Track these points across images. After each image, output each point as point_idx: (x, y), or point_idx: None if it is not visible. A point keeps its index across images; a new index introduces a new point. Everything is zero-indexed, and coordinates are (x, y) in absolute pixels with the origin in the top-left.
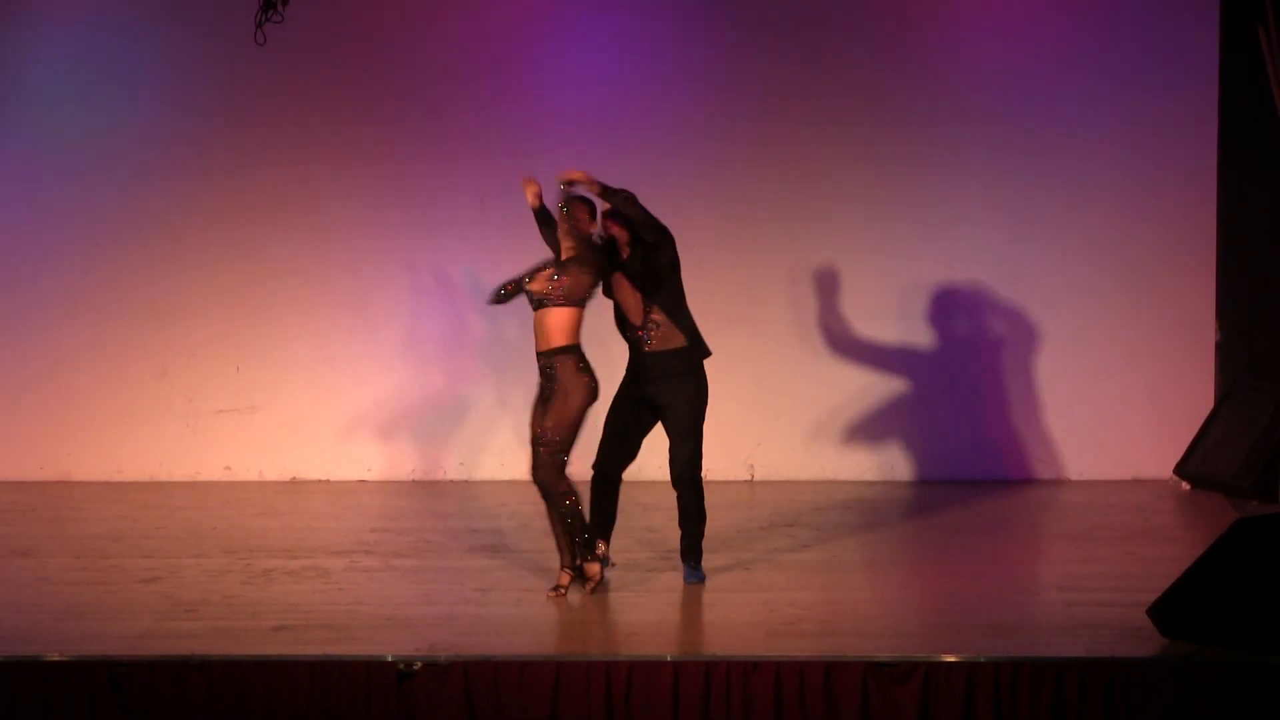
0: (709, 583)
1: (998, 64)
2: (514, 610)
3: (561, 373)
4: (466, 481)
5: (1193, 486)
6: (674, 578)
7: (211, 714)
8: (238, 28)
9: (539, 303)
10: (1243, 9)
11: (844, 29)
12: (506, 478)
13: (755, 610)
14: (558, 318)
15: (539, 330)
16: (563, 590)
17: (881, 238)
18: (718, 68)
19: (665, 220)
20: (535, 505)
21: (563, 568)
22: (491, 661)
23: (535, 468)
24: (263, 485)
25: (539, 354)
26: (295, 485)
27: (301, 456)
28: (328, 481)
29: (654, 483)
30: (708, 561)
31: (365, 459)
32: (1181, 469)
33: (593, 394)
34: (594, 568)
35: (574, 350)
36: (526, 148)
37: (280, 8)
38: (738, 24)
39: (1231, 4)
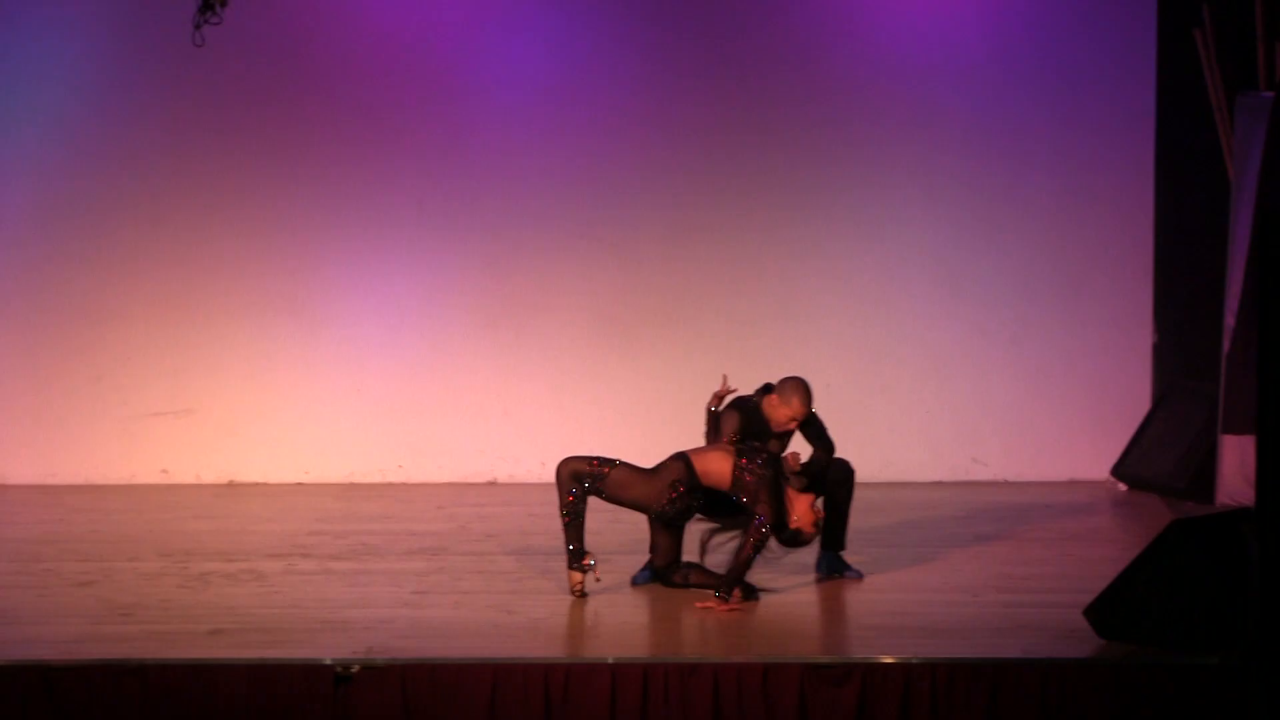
0: (649, 586)
1: (934, 65)
2: (452, 613)
3: None
4: (404, 484)
5: (1129, 487)
6: (615, 579)
7: (147, 718)
8: (174, 30)
9: None
10: (1179, 12)
11: (783, 31)
12: (444, 480)
13: (693, 613)
14: None
15: None
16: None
17: (819, 239)
18: (658, 72)
19: (604, 221)
20: (472, 508)
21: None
22: (429, 664)
23: None
24: (199, 488)
25: None
26: (232, 488)
27: (238, 459)
28: (264, 484)
29: None
30: (636, 566)
31: (302, 461)
32: (1118, 470)
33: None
34: None
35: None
36: (464, 152)
37: (218, 9)
38: (679, 29)
39: (1168, 7)
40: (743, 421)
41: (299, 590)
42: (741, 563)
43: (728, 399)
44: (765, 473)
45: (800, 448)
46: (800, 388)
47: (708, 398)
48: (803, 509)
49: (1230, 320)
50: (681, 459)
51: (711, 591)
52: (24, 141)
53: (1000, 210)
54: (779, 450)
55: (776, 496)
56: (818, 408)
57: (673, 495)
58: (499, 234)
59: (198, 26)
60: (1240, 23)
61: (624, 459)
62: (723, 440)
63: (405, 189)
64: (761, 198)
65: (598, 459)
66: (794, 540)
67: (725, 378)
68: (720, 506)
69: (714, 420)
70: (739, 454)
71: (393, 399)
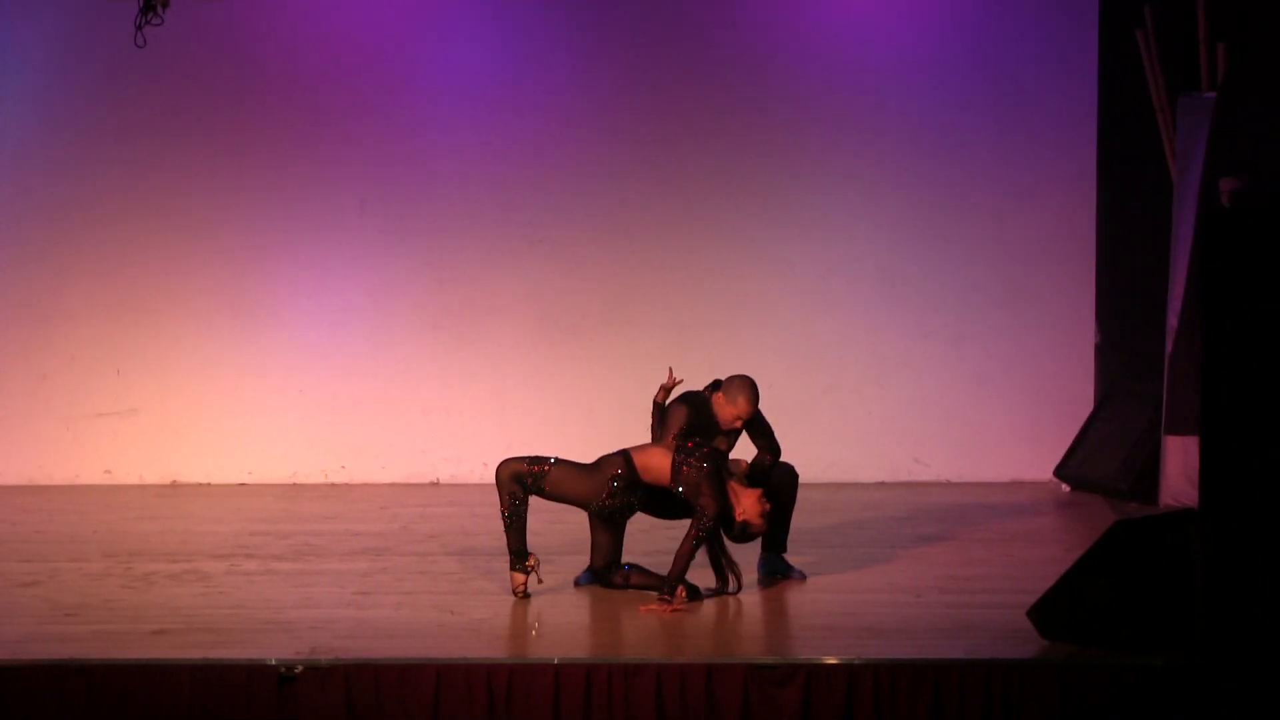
0: (592, 587)
1: (877, 68)
2: (395, 614)
3: None
4: (347, 485)
5: (1072, 488)
6: (558, 580)
7: (91, 719)
8: (118, 32)
9: None
10: (1121, 14)
11: (726, 36)
12: (387, 480)
13: (636, 614)
14: None
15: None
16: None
17: (763, 241)
18: (600, 78)
19: (547, 223)
20: (415, 508)
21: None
22: (373, 665)
23: None
24: (143, 489)
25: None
26: (175, 488)
27: (182, 459)
28: (208, 485)
29: None
30: (579, 566)
31: (245, 462)
32: (1061, 471)
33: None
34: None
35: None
36: (407, 155)
37: (159, 11)
38: (621, 36)
39: (1110, 8)
40: (690, 416)
41: (243, 590)
42: (683, 554)
43: (674, 392)
44: (706, 465)
45: (747, 446)
46: (747, 387)
47: (649, 400)
48: (749, 502)
49: (1173, 321)
50: (621, 454)
51: (654, 592)
52: None
53: (943, 212)
54: (726, 448)
55: (719, 489)
56: (761, 409)
57: (612, 489)
58: (442, 236)
59: (139, 28)
60: (1182, 24)
61: (563, 457)
62: (668, 435)
63: (349, 192)
64: (705, 201)
65: (536, 458)
66: (744, 534)
67: (671, 371)
68: (662, 504)
69: (660, 414)
70: (678, 450)
71: (335, 400)
